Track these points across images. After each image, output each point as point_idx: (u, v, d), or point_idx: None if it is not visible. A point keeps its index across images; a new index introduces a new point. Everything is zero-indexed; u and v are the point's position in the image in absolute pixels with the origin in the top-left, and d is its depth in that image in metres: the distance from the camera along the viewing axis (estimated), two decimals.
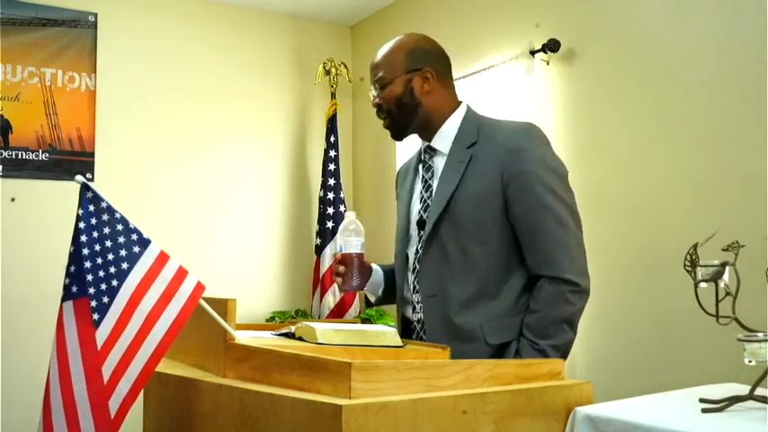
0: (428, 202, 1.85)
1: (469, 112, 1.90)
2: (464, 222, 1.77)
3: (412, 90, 1.83)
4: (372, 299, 2.05)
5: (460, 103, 1.91)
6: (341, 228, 1.90)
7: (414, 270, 1.87)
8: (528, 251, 1.76)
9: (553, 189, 1.74)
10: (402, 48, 1.87)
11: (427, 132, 1.89)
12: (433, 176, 1.87)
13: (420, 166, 1.93)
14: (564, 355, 1.73)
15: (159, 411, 1.68)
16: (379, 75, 1.85)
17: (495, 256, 1.77)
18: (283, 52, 4.21)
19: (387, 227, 3.94)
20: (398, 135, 1.92)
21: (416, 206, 1.90)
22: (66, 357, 1.37)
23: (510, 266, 1.78)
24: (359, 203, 4.29)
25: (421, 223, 1.86)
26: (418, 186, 1.92)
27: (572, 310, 1.73)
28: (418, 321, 1.87)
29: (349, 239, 1.87)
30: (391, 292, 2.00)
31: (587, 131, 2.82)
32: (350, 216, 1.89)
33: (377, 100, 1.87)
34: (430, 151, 1.90)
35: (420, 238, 1.84)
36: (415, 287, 1.87)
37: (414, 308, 1.88)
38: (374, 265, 2.01)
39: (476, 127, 1.84)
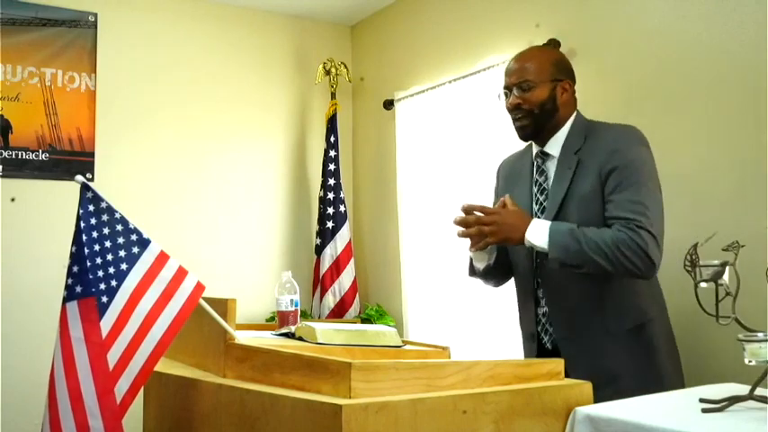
0: (545, 204, 1.99)
1: (578, 117, 2.05)
2: (573, 222, 1.88)
3: (555, 97, 2.00)
4: (482, 265, 2.12)
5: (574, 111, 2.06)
6: (278, 285, 2.06)
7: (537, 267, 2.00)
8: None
9: (641, 180, 1.88)
10: (549, 58, 2.05)
11: (544, 138, 2.03)
12: (546, 179, 2.02)
13: (533, 170, 2.07)
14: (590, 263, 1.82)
15: (159, 411, 1.68)
16: (526, 78, 1.99)
17: None
18: (283, 52, 4.20)
19: (387, 226, 3.94)
20: (530, 136, 2.04)
21: (533, 209, 2.03)
22: (72, 356, 1.37)
23: None
24: (359, 203, 4.29)
25: None
26: (533, 189, 2.05)
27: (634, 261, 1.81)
28: (543, 315, 2.00)
29: (282, 298, 2.02)
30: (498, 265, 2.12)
31: None
32: (285, 275, 2.08)
33: (517, 101, 2.00)
34: (543, 156, 2.04)
35: None
36: (538, 282, 2.01)
37: (538, 302, 2.01)
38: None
39: (582, 132, 2.00)
